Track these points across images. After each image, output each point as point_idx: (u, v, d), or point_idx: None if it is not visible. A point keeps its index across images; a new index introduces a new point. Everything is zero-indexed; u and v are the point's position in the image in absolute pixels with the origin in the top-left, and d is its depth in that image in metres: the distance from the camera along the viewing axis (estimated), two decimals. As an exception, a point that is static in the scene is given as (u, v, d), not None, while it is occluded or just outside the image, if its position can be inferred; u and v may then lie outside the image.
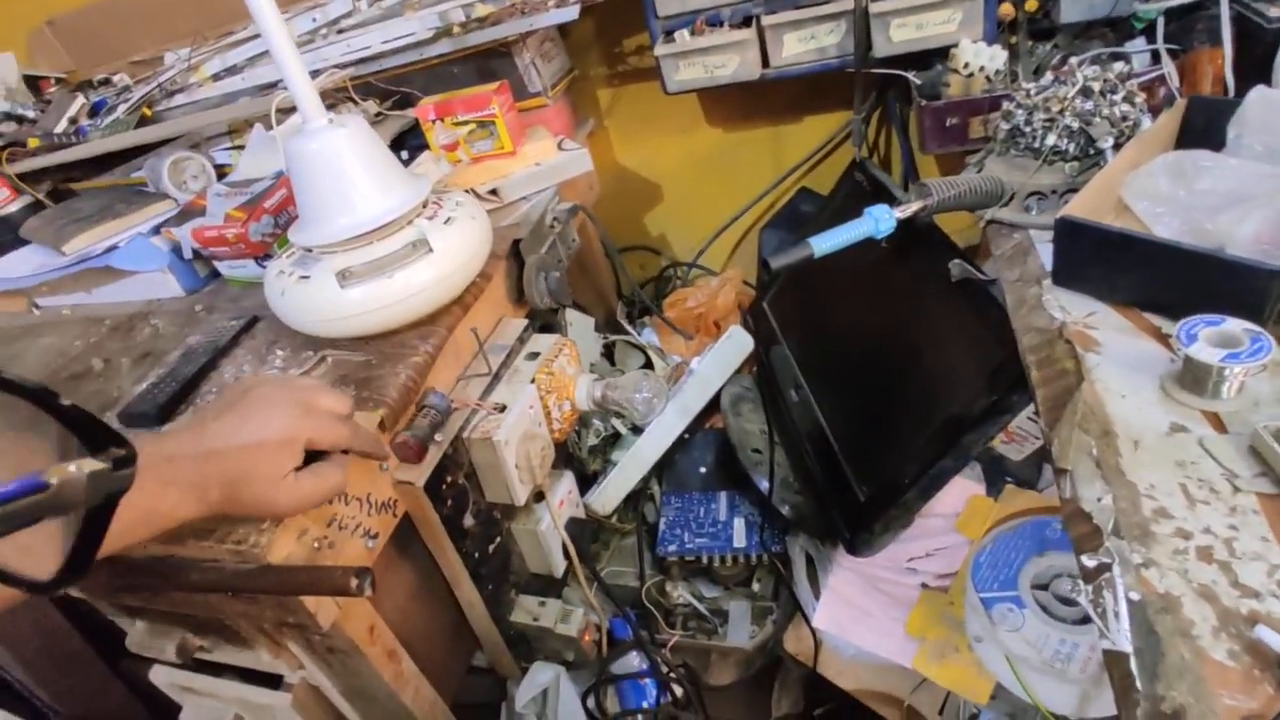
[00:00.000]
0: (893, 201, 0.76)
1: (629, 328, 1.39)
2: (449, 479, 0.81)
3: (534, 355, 0.94)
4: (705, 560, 1.04)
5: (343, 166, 0.77)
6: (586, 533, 1.02)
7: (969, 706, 0.85)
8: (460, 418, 0.83)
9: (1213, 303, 0.53)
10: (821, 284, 1.09)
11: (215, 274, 1.10)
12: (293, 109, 1.11)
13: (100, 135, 1.40)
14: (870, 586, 0.92)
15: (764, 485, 1.03)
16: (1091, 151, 0.72)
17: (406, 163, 1.14)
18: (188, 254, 1.06)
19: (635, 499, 1.15)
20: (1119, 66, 0.76)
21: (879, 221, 0.73)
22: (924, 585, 0.91)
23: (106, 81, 1.60)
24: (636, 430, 1.14)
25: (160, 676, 0.94)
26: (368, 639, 0.77)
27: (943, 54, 0.98)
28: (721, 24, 1.12)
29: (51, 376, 0.97)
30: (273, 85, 1.35)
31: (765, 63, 1.10)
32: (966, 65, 0.93)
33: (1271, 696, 0.35)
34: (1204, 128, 0.71)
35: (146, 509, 0.55)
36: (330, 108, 0.80)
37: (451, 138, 1.12)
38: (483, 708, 1.13)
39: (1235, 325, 0.50)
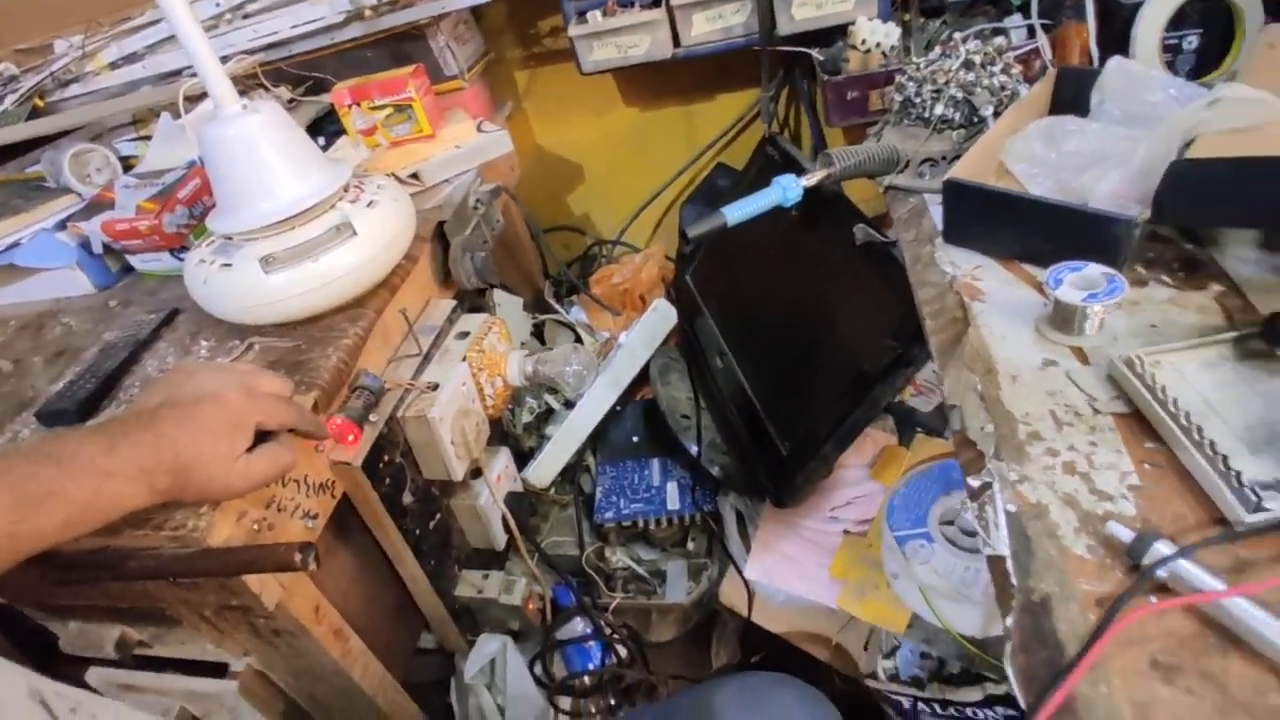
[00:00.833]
0: (801, 172, 0.80)
1: (557, 306, 1.42)
2: (386, 458, 0.83)
3: (464, 334, 0.95)
4: (641, 524, 1.08)
5: (261, 152, 0.77)
6: (525, 506, 1.05)
7: (890, 639, 0.92)
8: (394, 398, 0.85)
9: (1078, 251, 0.59)
10: (739, 255, 1.14)
11: (128, 269, 1.07)
12: (201, 96, 1.09)
13: (-12, 129, 1.34)
14: (796, 536, 0.98)
15: (694, 449, 1.08)
16: (975, 119, 0.79)
17: (324, 149, 1.13)
18: (97, 249, 1.04)
19: (571, 471, 1.18)
20: (998, 41, 0.83)
21: (786, 190, 0.78)
22: (845, 531, 0.97)
23: (-10, 72, 1.51)
24: (569, 405, 1.17)
25: (97, 678, 0.92)
26: (313, 618, 0.78)
27: (843, 31, 1.04)
28: (633, 4, 1.15)
29: (-43, 380, 0.94)
30: (176, 73, 1.32)
31: (676, 42, 1.13)
32: (864, 41, 0.98)
33: (1120, 579, 0.41)
34: (1072, 96, 0.78)
35: (84, 502, 0.55)
36: (241, 94, 0.80)
37: (369, 122, 1.12)
38: (433, 685, 1.15)
39: (1095, 270, 0.57)
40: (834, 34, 1.08)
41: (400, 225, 0.86)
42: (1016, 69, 0.80)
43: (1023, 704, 0.39)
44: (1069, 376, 0.54)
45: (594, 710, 1.07)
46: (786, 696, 0.75)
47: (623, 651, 1.08)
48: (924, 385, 1.06)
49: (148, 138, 1.26)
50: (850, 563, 0.93)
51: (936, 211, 0.76)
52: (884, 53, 0.98)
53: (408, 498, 0.87)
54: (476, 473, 0.97)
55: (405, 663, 0.99)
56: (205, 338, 0.88)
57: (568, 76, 1.35)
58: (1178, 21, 0.83)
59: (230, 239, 0.80)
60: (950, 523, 0.86)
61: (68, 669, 1.01)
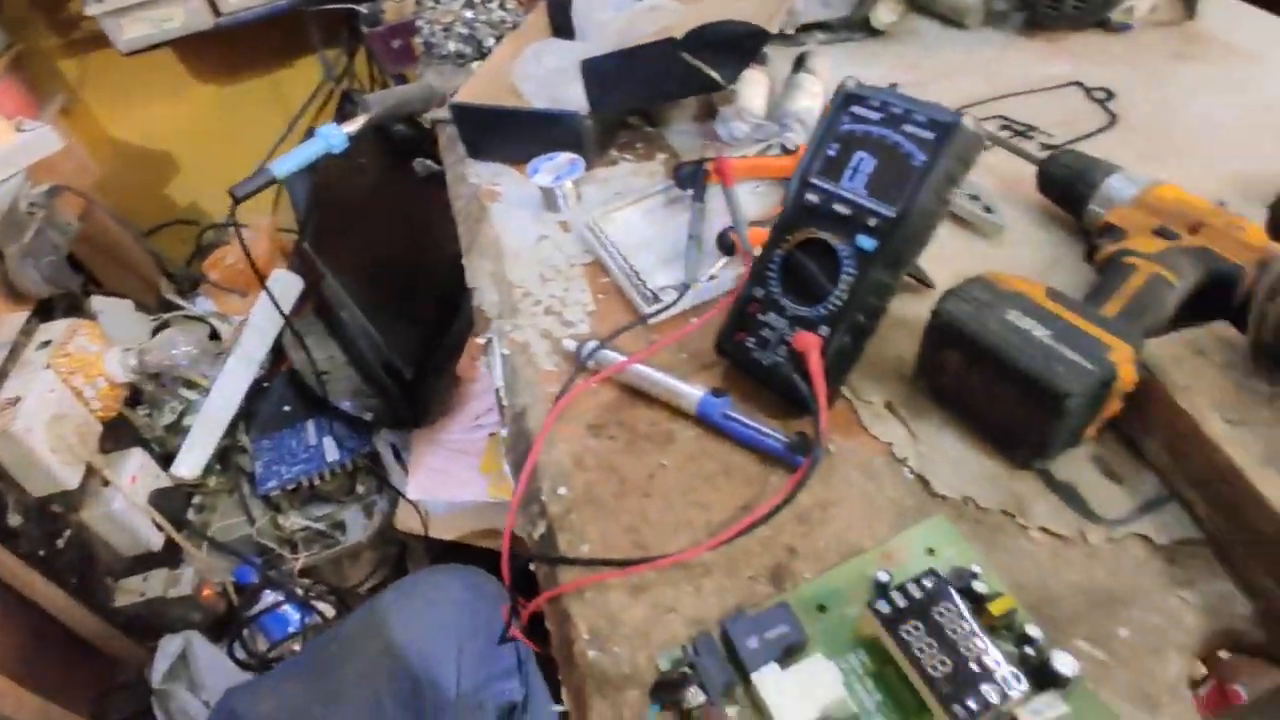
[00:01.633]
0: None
1: (181, 302, 1.36)
2: (-27, 485, 0.78)
3: (47, 343, 0.91)
4: (308, 483, 1.12)
5: None
6: (179, 500, 1.04)
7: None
8: (-33, 423, 0.80)
9: (560, 146, 0.74)
10: (348, 214, 1.18)
11: None
12: None
13: None
14: (445, 450, 1.08)
15: (343, 403, 1.13)
16: (484, 51, 0.90)
17: None
18: None
19: (228, 456, 1.17)
20: (495, -21, 0.95)
21: (329, 139, 0.84)
22: (490, 434, 1.09)
23: None
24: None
25: None
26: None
27: (384, -18, 1.10)
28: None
29: None
30: None
31: (217, 11, 1.12)
32: (396, -9, 1.06)
33: (569, 380, 0.55)
34: (563, 21, 0.93)
35: None
36: None
37: None
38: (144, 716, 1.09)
39: (562, 157, 0.71)
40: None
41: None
42: (512, 3, 0.92)
43: (510, 481, 0.52)
44: (554, 244, 0.69)
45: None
46: (440, 578, 0.86)
47: (322, 606, 1.12)
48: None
49: None
50: (494, 457, 1.05)
51: (470, 136, 0.87)
52: (417, 1, 1.06)
53: (16, 520, 0.83)
54: (106, 481, 0.94)
55: (83, 692, 0.95)
56: None
57: (123, 61, 1.27)
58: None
59: None
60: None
61: None
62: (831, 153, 0.46)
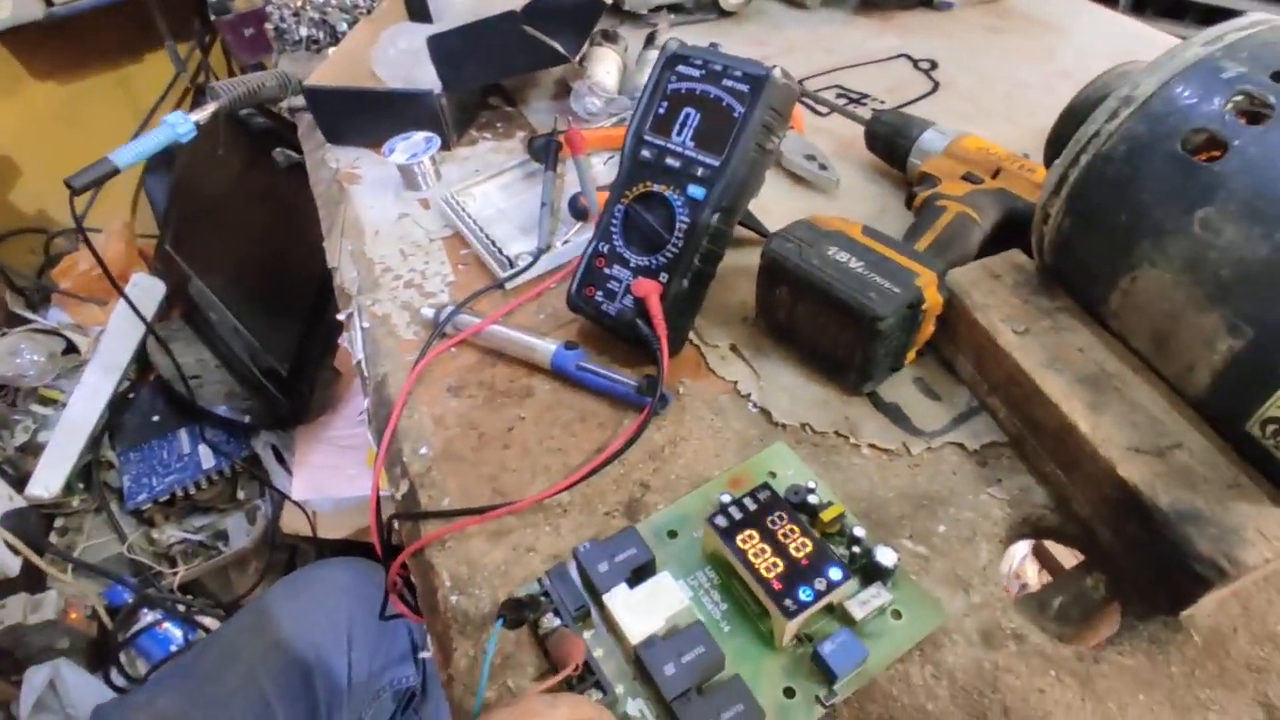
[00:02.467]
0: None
1: (32, 316, 1.27)
2: None
3: None
4: (183, 493, 1.07)
5: None
6: (35, 522, 0.97)
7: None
8: None
9: (418, 125, 0.74)
10: (211, 212, 1.14)
11: None
12: None
13: None
14: (330, 446, 1.06)
15: (217, 408, 1.08)
16: (338, 36, 0.89)
17: None
18: None
19: (91, 472, 1.11)
20: (348, -36, 0.94)
21: (176, 127, 0.81)
22: (375, 427, 1.07)
23: None
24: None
25: None
26: None
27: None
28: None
29: None
30: None
31: (50, 1, 1.06)
32: (247, -21, 1.03)
33: (426, 343, 0.56)
34: (417, 4, 0.92)
35: None
36: None
37: None
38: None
39: (418, 135, 0.71)
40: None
41: None
42: (364, -12, 0.91)
43: (375, 447, 0.52)
44: (414, 221, 0.69)
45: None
46: (327, 570, 0.84)
47: (207, 620, 1.07)
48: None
49: None
50: (380, 449, 1.04)
51: (328, 121, 0.86)
52: (268, -12, 1.04)
53: None
54: (-51, 505, 0.88)
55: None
56: None
57: (-57, 57, 1.18)
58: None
59: None
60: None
61: None
62: (661, 110, 0.49)
